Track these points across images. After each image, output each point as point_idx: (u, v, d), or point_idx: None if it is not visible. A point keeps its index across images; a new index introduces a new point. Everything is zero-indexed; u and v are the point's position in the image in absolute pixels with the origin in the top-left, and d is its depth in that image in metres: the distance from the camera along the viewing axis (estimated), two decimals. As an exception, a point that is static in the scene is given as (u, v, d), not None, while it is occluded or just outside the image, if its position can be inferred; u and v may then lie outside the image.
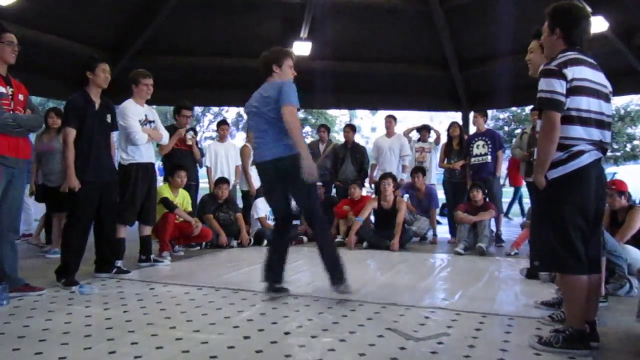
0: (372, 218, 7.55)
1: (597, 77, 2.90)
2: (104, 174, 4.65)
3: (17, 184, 3.98)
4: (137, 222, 5.37)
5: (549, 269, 3.45)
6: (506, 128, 29.48)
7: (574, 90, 2.79)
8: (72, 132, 4.48)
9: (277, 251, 4.30)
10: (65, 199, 4.63)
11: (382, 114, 11.23)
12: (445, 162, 7.90)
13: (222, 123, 8.44)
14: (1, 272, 4.00)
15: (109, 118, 4.74)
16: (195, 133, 7.19)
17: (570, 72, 2.78)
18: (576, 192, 2.81)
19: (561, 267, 2.92)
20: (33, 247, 6.67)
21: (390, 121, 8.49)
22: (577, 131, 2.81)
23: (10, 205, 3.95)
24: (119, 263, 5.01)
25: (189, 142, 6.79)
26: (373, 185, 8.37)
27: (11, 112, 3.82)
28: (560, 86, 2.76)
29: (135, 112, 5.15)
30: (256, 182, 7.64)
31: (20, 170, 4.02)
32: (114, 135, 5.00)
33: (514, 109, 27.42)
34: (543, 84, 2.82)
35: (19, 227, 4.27)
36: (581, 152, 2.80)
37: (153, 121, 5.35)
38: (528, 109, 20.17)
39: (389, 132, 8.43)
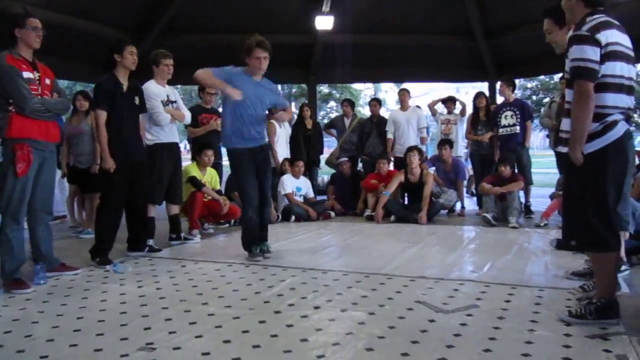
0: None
1: (625, 41, 2.77)
2: (134, 154, 4.73)
3: (48, 166, 4.06)
4: (164, 202, 5.46)
5: (589, 249, 3.04)
6: (534, 97, 28.88)
7: (609, 56, 2.65)
8: (103, 114, 4.55)
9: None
10: (97, 180, 4.73)
11: (407, 86, 11.08)
12: (472, 133, 7.79)
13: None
14: (38, 252, 4.11)
15: (137, 100, 4.79)
16: None
17: (604, 36, 2.64)
18: (615, 165, 2.70)
19: (602, 246, 2.77)
20: (67, 227, 6.83)
21: (405, 94, 8.39)
22: (612, 99, 2.69)
23: (43, 188, 4.03)
24: (150, 242, 5.11)
25: (219, 129, 6.74)
26: (392, 160, 8.32)
27: (39, 96, 3.87)
28: (593, 53, 2.62)
29: (157, 92, 5.18)
30: (281, 158, 7.71)
31: (51, 153, 4.09)
32: (141, 117, 5.05)
33: (541, 77, 26.79)
34: (575, 51, 2.67)
35: (52, 209, 4.37)
36: (615, 122, 2.69)
37: (175, 101, 5.38)
38: (557, 77, 19.72)
39: (404, 106, 8.33)
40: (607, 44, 2.65)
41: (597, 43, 2.63)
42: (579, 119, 2.68)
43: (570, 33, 2.77)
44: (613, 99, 2.70)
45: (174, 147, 5.35)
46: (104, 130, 4.55)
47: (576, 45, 2.68)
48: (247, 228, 4.79)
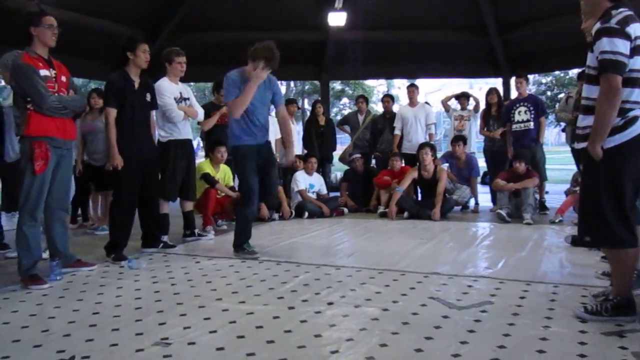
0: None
1: None
2: (145, 151, 4.75)
3: (65, 164, 4.09)
4: (178, 199, 5.48)
5: (603, 245, 3.03)
6: (549, 93, 28.57)
7: (637, 50, 2.61)
8: (113, 112, 4.58)
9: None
10: (109, 177, 4.76)
11: (420, 82, 11.04)
12: (485, 129, 7.75)
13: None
14: (54, 249, 4.15)
15: (148, 97, 4.81)
16: None
17: (632, 30, 2.59)
18: (633, 162, 2.66)
19: (617, 242, 2.74)
20: (82, 224, 6.85)
21: (413, 90, 8.31)
22: (635, 94, 2.64)
23: (59, 185, 4.07)
24: (164, 238, 5.14)
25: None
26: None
27: (56, 94, 3.91)
28: (624, 47, 2.57)
29: (170, 90, 5.21)
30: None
31: (68, 151, 4.13)
32: (153, 114, 5.08)
33: (556, 72, 26.51)
34: (605, 44, 2.59)
35: (69, 206, 4.41)
36: (636, 118, 2.64)
37: (188, 98, 5.41)
38: (572, 72, 19.51)
39: (413, 102, 8.26)
40: (636, 38, 2.61)
41: (627, 37, 2.58)
42: (605, 114, 2.62)
43: (598, 25, 2.68)
44: (636, 94, 2.65)
45: (187, 144, 5.38)
46: (114, 127, 4.57)
47: (606, 37, 2.60)
48: (246, 222, 4.81)
